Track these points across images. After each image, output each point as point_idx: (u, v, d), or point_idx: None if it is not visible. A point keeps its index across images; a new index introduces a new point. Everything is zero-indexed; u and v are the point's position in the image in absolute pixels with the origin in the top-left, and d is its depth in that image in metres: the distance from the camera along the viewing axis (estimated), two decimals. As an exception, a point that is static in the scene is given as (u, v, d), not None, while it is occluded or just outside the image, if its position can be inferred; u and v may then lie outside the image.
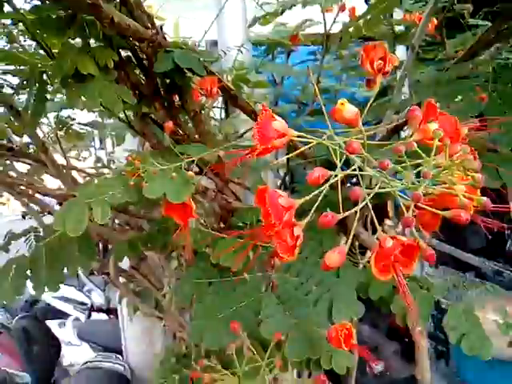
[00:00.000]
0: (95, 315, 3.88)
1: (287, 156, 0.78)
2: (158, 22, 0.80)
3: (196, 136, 0.91)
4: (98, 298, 3.93)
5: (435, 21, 1.61)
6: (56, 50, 0.71)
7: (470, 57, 0.78)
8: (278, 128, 0.41)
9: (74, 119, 1.34)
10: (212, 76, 0.72)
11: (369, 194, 0.38)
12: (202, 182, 1.02)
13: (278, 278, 0.81)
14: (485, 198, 0.35)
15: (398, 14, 1.68)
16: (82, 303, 3.95)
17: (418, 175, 0.39)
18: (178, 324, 1.46)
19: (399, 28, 1.67)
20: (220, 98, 1.46)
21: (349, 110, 0.38)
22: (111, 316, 3.71)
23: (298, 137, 0.43)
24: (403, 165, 0.37)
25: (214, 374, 0.63)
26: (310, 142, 0.43)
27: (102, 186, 0.67)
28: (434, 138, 0.37)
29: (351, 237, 0.45)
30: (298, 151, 0.50)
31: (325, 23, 1.54)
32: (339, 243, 1.05)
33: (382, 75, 0.43)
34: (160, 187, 0.62)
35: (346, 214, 0.37)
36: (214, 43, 1.69)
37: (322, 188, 0.39)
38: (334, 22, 1.55)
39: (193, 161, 0.72)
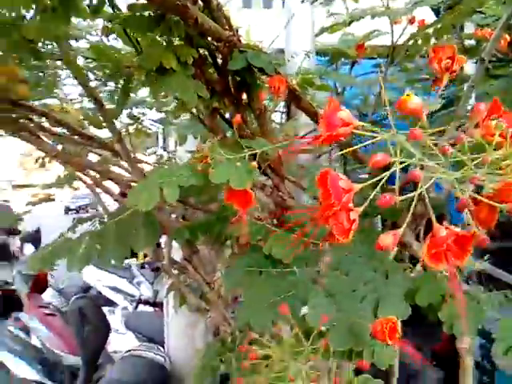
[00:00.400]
0: (142, 307, 4.04)
1: (342, 152, 0.80)
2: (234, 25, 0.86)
3: (259, 134, 0.96)
4: (146, 291, 4.10)
5: (508, 37, 1.58)
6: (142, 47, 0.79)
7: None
8: (343, 117, 0.45)
9: (145, 114, 1.44)
10: (280, 75, 0.77)
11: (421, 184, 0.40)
12: (260, 178, 1.07)
13: (327, 274, 0.83)
14: None
15: (468, 29, 1.66)
16: (132, 295, 4.13)
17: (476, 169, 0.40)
18: (222, 318, 1.51)
19: (469, 42, 1.64)
20: (282, 103, 1.51)
21: (414, 101, 0.40)
22: (157, 309, 3.85)
23: (362, 127, 0.46)
24: (462, 157, 0.39)
25: (260, 350, 0.66)
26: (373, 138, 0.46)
27: (171, 170, 0.73)
28: (495, 131, 0.39)
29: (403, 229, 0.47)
30: (352, 148, 0.53)
31: (392, 34, 1.56)
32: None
33: (449, 74, 0.45)
34: (225, 173, 0.67)
35: (404, 197, 0.40)
36: (280, 51, 1.75)
37: (383, 175, 0.42)
38: (402, 33, 1.55)
39: (255, 155, 0.76)
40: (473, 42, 1.68)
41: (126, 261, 4.36)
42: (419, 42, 1.35)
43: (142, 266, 4.55)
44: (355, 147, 0.53)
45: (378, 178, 0.46)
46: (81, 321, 2.54)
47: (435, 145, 0.39)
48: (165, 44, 0.75)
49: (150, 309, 4.05)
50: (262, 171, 0.99)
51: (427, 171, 0.41)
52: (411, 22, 1.51)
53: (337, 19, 1.69)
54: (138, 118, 1.47)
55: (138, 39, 0.82)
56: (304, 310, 0.79)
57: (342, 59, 1.92)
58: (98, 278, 4.13)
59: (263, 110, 0.90)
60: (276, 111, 1.50)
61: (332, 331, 0.70)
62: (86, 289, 4.25)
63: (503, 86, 1.04)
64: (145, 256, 4.49)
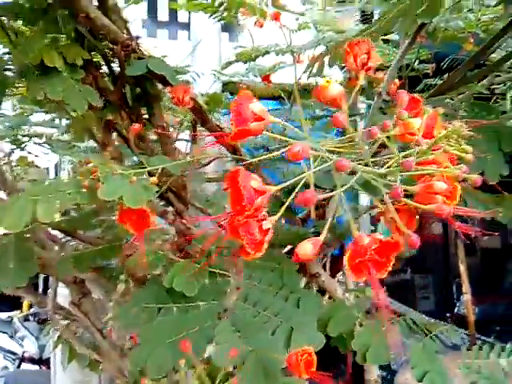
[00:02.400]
0: (26, 365, 3.57)
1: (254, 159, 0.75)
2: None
3: (161, 153, 0.87)
4: (30, 347, 3.62)
5: (397, 82, 1.71)
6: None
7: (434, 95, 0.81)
8: (255, 110, 0.39)
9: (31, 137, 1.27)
10: (185, 85, 0.71)
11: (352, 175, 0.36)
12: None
13: (235, 306, 0.76)
14: (475, 176, 0.33)
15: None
16: (13, 352, 3.64)
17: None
18: (117, 370, 1.33)
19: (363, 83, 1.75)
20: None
21: (334, 88, 0.36)
22: (43, 367, 3.42)
23: (276, 123, 0.41)
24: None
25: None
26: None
27: (52, 185, 0.61)
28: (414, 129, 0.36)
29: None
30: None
31: (295, 71, 1.60)
32: (299, 280, 1.01)
33: (365, 71, 0.42)
34: (117, 189, 0.58)
35: (325, 195, 0.34)
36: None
37: (300, 177, 0.36)
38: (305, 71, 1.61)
39: (152, 173, 0.68)
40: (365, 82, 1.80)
41: (7, 314, 3.88)
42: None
43: (26, 319, 4.03)
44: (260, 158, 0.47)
45: (293, 181, 0.41)
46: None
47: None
48: (49, 40, 0.65)
49: (34, 367, 3.58)
50: (164, 196, 0.90)
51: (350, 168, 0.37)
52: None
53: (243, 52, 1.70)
54: (22, 143, 1.29)
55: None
56: (211, 348, 0.70)
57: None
58: (-28, 333, 3.59)
59: (166, 126, 0.83)
60: (181, 139, 1.43)
61: (241, 369, 0.61)
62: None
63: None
64: (30, 307, 3.99)
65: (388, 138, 0.35)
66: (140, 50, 0.72)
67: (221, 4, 0.84)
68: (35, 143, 1.35)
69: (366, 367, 1.20)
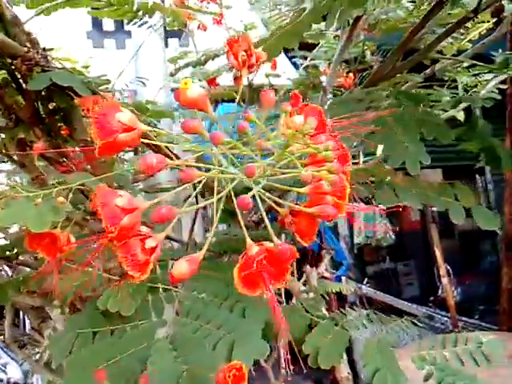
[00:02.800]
0: (11, 392, 3.47)
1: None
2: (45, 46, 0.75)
3: (90, 170, 0.83)
4: (14, 372, 3.52)
5: (352, 76, 1.70)
6: None
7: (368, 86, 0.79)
8: (122, 120, 0.35)
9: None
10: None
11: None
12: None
13: (175, 322, 0.72)
14: (333, 176, 0.30)
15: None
16: (-3, 379, 3.53)
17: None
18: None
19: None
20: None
21: (194, 90, 0.33)
22: (28, 393, 3.33)
23: (152, 133, 0.37)
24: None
25: None
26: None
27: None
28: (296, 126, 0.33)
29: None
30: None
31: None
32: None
33: (247, 69, 0.39)
34: (18, 213, 0.53)
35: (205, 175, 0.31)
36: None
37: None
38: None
39: (70, 189, 0.64)
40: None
41: (-13, 341, 3.75)
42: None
43: (8, 345, 3.90)
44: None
45: (182, 187, 0.37)
46: None
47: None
48: None
49: (20, 394, 3.47)
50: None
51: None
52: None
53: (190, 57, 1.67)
54: None
55: None
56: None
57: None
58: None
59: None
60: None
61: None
62: None
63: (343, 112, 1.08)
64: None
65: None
66: (46, 62, 0.68)
67: (138, 9, 0.80)
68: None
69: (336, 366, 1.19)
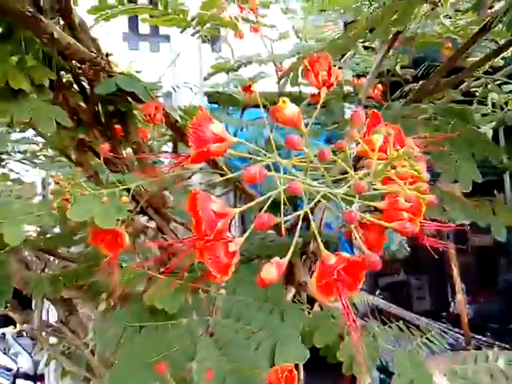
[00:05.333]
0: (21, 381, 3.53)
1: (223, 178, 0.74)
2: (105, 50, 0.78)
3: (138, 170, 0.86)
4: (25, 363, 3.58)
5: (381, 87, 1.72)
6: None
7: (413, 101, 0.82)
8: (215, 131, 0.38)
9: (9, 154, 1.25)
10: (156, 102, 0.70)
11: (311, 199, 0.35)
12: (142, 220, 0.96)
13: (217, 322, 0.74)
14: (429, 196, 0.33)
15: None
16: (7, 368, 3.60)
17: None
18: (108, 386, 1.31)
19: (348, 88, 1.76)
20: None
21: (290, 108, 0.35)
22: (38, 382, 3.39)
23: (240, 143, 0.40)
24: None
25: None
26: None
27: (19, 207, 0.60)
28: (376, 144, 0.35)
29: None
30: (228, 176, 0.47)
31: (278, 80, 1.60)
32: (283, 292, 1.00)
33: (326, 88, 0.42)
34: (87, 210, 0.57)
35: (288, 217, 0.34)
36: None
37: (268, 195, 0.36)
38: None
39: (128, 189, 0.67)
40: (350, 88, 1.80)
41: (1, 330, 3.83)
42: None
43: (20, 335, 3.98)
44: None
45: (262, 199, 0.40)
46: None
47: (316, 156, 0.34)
48: (15, 62, 0.64)
49: (29, 383, 3.54)
50: (143, 211, 0.89)
51: (313, 189, 0.36)
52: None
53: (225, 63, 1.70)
54: (1, 160, 1.27)
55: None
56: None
57: (234, 106, 1.93)
58: (-35, 350, 3.56)
59: (142, 143, 0.82)
60: (164, 152, 1.42)
61: (223, 388, 0.60)
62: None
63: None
64: (23, 323, 3.93)
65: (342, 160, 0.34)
66: (110, 67, 0.71)
67: (193, 19, 0.83)
68: (15, 160, 1.33)
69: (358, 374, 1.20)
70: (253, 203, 0.38)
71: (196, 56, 1.60)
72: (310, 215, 0.38)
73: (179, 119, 0.82)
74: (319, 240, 0.40)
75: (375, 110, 0.39)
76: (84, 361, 1.46)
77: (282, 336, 0.72)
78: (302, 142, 0.33)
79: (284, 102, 0.35)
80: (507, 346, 3.20)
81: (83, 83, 0.76)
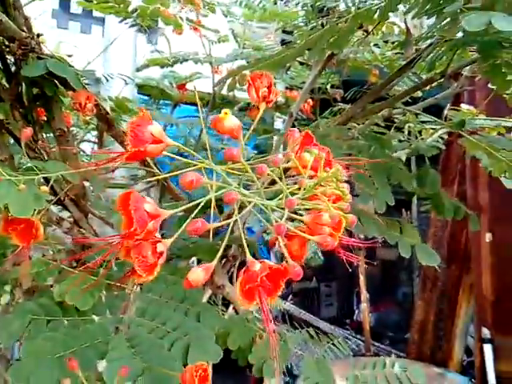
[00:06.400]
0: None
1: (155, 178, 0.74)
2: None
3: (60, 159, 0.82)
4: None
5: (311, 102, 1.80)
6: None
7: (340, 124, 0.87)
8: (154, 132, 0.38)
9: None
10: (88, 91, 0.67)
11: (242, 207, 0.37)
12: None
13: (131, 321, 0.73)
14: (351, 216, 0.36)
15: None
16: None
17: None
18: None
19: (280, 99, 1.81)
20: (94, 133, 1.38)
21: (231, 120, 0.37)
22: None
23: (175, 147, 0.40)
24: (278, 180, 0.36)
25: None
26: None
27: None
28: (308, 161, 0.38)
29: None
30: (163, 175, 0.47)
31: (213, 81, 1.61)
32: (201, 293, 1.01)
33: (265, 104, 0.44)
34: (1, 196, 0.53)
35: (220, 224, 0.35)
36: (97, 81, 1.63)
37: (199, 201, 0.36)
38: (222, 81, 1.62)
39: (47, 178, 0.64)
40: (282, 99, 1.86)
41: None
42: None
43: None
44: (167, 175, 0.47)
45: (193, 203, 0.41)
46: None
47: (252, 169, 0.36)
48: None
49: None
50: (61, 202, 0.85)
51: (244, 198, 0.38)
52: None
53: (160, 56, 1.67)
54: None
55: None
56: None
57: (165, 101, 1.90)
58: None
59: (66, 131, 0.78)
60: (87, 141, 1.36)
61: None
62: None
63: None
64: None
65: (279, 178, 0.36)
66: (40, 48, 0.67)
67: (134, 10, 0.81)
68: None
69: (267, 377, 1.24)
70: (184, 207, 0.38)
71: (130, 45, 1.55)
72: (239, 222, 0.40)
73: (109, 111, 0.79)
74: (246, 248, 0.41)
75: (308, 131, 0.42)
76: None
77: (196, 336, 0.72)
78: (240, 155, 0.35)
79: (226, 113, 0.37)
80: (402, 354, 3.48)
81: (8, 61, 0.71)
